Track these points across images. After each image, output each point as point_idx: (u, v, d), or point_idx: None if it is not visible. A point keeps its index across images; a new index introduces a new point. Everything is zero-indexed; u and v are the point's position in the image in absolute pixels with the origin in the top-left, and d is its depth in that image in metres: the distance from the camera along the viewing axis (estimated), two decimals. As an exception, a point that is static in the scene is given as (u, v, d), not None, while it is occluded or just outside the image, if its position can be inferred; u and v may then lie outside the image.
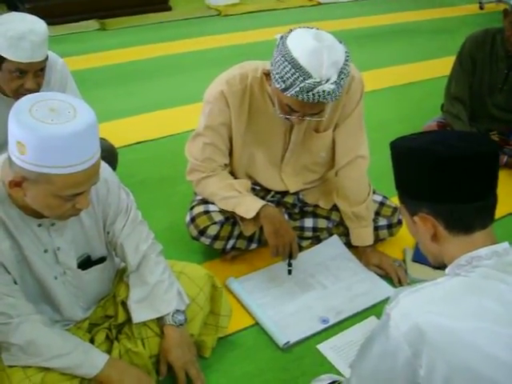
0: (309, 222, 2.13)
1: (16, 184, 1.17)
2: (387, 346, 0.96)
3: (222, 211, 1.96)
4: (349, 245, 2.14)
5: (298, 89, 1.57)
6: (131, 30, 5.21)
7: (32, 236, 1.33)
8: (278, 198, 2.10)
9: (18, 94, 1.82)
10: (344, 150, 1.98)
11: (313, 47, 1.55)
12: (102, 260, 1.53)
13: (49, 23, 1.91)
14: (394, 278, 2.00)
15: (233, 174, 2.02)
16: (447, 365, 0.89)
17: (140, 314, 1.53)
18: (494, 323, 0.90)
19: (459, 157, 0.97)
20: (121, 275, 1.64)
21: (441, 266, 1.10)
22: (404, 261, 2.10)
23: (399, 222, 2.14)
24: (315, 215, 2.14)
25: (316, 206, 2.13)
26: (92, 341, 1.53)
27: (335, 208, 2.11)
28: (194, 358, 1.56)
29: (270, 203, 1.95)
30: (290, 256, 1.91)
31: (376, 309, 1.88)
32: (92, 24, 5.28)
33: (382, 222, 2.12)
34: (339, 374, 1.61)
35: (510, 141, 2.79)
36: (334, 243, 2.16)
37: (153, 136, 3.08)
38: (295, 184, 2.08)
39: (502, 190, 1.07)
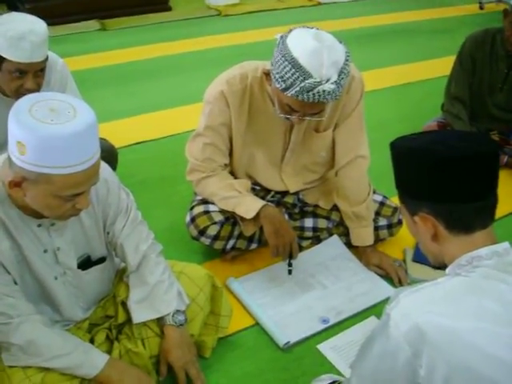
0: (309, 222, 2.13)
1: (16, 184, 1.17)
2: (387, 346, 0.96)
3: (222, 211, 1.96)
4: (349, 245, 2.14)
5: (298, 88, 1.57)
6: (131, 31, 5.22)
7: (32, 236, 1.33)
8: (278, 198, 2.10)
9: (17, 94, 1.81)
10: (344, 149, 1.97)
11: (313, 47, 1.55)
12: (101, 260, 1.53)
13: (49, 23, 1.91)
14: (395, 278, 2.00)
15: (233, 174, 2.02)
16: (447, 365, 0.89)
17: (140, 314, 1.53)
18: (494, 323, 0.90)
19: (459, 157, 0.97)
20: (121, 275, 1.64)
21: (441, 266, 1.09)
22: (404, 261, 2.10)
23: (399, 222, 2.14)
24: (315, 215, 2.14)
25: (316, 205, 2.13)
26: (92, 341, 1.53)
27: (335, 208, 2.11)
28: (194, 359, 1.55)
29: (270, 203, 1.95)
30: (290, 256, 1.90)
31: (376, 309, 1.88)
32: (92, 24, 5.28)
33: (382, 221, 2.12)
34: (339, 374, 1.61)
35: (510, 140, 2.79)
36: (334, 243, 2.16)
37: (153, 136, 3.08)
38: (295, 184, 2.08)
39: (502, 189, 1.07)
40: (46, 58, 1.87)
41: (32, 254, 1.34)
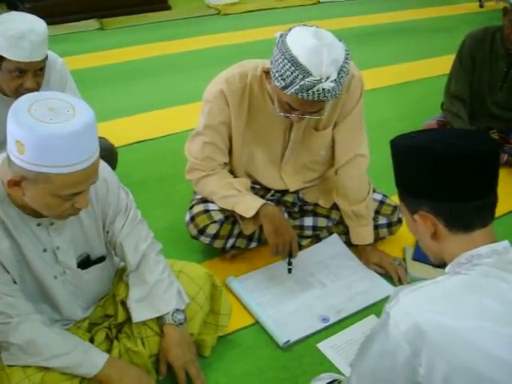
0: (308, 221, 2.13)
1: (15, 183, 1.17)
2: (387, 344, 0.96)
3: (221, 210, 1.96)
4: (349, 243, 2.14)
5: (297, 87, 1.57)
6: (131, 30, 5.21)
7: (31, 235, 1.33)
8: (278, 197, 2.10)
9: (17, 93, 1.81)
10: (344, 148, 1.97)
11: (313, 45, 1.55)
12: (101, 259, 1.53)
13: (48, 23, 1.91)
14: (394, 276, 2.00)
15: (232, 172, 2.02)
16: (447, 364, 0.89)
17: (140, 313, 1.53)
18: (495, 322, 0.90)
19: (459, 155, 0.97)
20: (120, 274, 1.64)
21: (441, 265, 1.09)
22: (404, 259, 2.10)
23: (399, 221, 2.13)
24: (315, 214, 2.14)
25: (316, 204, 2.13)
26: (92, 340, 1.52)
27: (335, 207, 2.10)
28: (194, 357, 1.56)
29: (269, 202, 1.95)
30: (290, 255, 1.90)
31: (376, 307, 1.88)
32: (92, 23, 5.28)
33: (382, 220, 2.12)
34: (339, 372, 1.61)
35: (509, 139, 2.78)
36: (334, 242, 2.16)
37: (152, 135, 3.08)
38: (295, 183, 2.08)
39: (502, 188, 1.07)
40: (46, 58, 1.87)
41: (31, 253, 1.34)
